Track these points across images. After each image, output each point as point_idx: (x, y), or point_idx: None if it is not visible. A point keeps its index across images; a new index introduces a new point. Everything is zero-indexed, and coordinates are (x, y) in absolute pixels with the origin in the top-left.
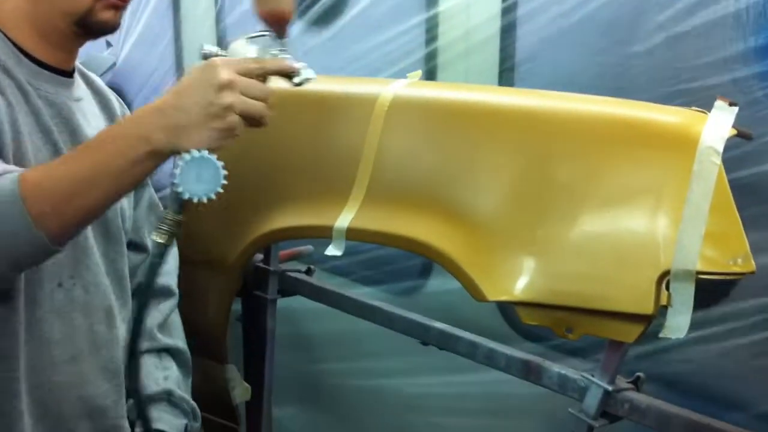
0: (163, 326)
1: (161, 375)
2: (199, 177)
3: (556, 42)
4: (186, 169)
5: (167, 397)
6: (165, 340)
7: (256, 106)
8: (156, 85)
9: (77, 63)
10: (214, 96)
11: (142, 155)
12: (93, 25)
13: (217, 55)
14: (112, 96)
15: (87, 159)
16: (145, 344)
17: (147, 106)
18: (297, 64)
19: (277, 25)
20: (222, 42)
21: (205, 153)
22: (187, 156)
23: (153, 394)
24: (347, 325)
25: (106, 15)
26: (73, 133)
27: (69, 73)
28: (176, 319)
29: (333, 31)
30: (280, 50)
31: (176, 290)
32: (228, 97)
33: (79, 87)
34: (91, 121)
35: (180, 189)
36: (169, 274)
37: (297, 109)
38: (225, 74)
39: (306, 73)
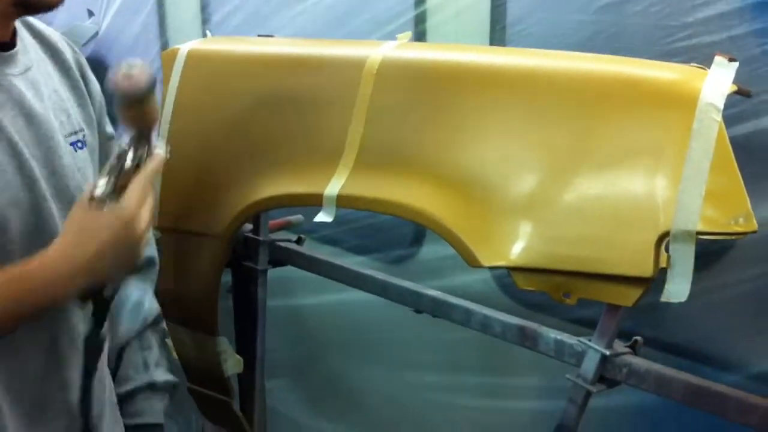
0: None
1: (141, 360)
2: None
3: (549, 1)
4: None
5: (149, 388)
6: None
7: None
8: (139, 53)
9: (17, 22)
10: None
11: (63, 300)
12: (35, 4)
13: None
14: (62, 43)
15: (8, 298)
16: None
17: (56, 255)
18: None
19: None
20: (205, 11)
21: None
22: None
23: (136, 388)
24: (340, 295)
25: None
26: (28, 117)
27: (8, 46)
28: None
29: None
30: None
31: (157, 259)
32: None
33: (26, 52)
34: (44, 89)
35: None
36: (150, 243)
37: (284, 74)
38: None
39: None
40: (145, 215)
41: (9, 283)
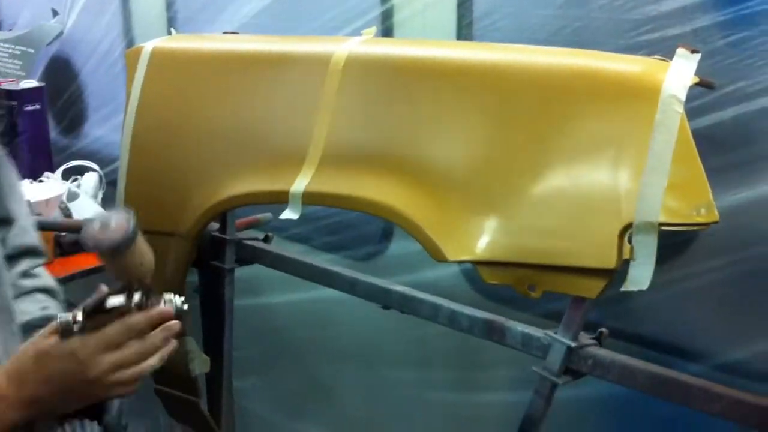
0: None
1: (38, 307)
2: None
3: None
4: None
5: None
6: (35, 282)
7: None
8: (104, 52)
9: None
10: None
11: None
12: None
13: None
14: None
15: None
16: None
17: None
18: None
19: (134, 281)
20: (171, 8)
21: None
22: None
23: (32, 320)
24: (308, 293)
25: None
26: None
27: None
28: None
29: None
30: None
31: (44, 251)
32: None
33: None
34: None
35: None
36: (28, 232)
37: (249, 71)
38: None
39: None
40: (104, 362)
41: None
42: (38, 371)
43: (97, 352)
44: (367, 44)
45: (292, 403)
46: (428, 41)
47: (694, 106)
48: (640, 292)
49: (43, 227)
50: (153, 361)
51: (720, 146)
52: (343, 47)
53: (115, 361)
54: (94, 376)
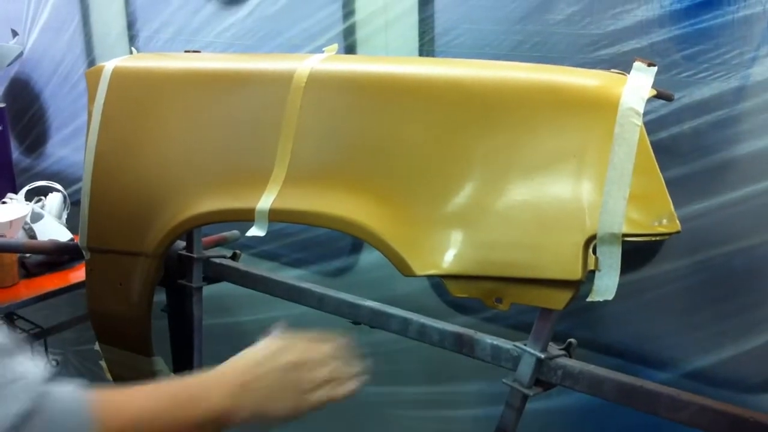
0: None
1: None
2: None
3: (475, 12)
4: None
5: None
6: None
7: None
8: (65, 73)
9: None
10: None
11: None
12: None
13: None
14: None
15: (170, 408)
16: None
17: (231, 371)
18: None
19: None
20: (132, 27)
21: None
22: None
23: None
24: (278, 310)
25: None
26: None
27: None
28: None
29: (249, 9)
30: None
31: None
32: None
33: None
34: None
35: None
36: None
37: (211, 90)
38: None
39: None
40: (322, 371)
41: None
42: (261, 362)
43: (318, 362)
44: (329, 61)
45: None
46: (390, 58)
47: (656, 118)
48: (606, 301)
49: (7, 249)
50: (354, 386)
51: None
52: (305, 64)
53: (329, 374)
54: (309, 379)
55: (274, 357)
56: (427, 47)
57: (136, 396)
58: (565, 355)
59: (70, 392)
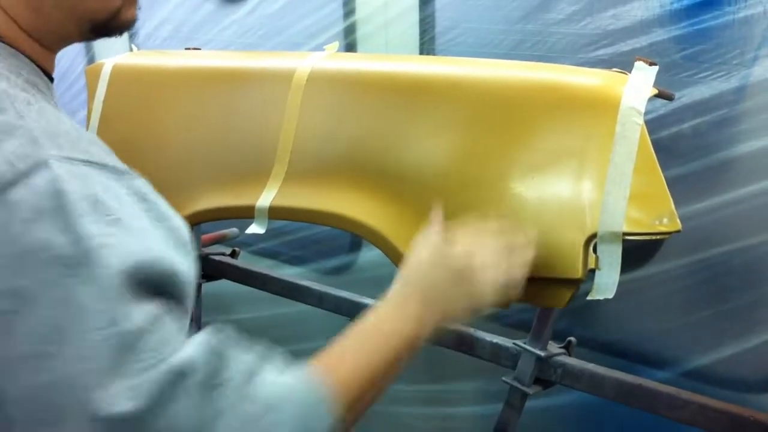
0: None
1: None
2: None
3: (476, 11)
4: None
5: None
6: None
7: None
8: (64, 69)
9: None
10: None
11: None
12: (115, 27)
13: None
14: None
15: (377, 352)
16: None
17: (406, 293)
18: None
19: None
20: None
21: None
22: None
23: None
24: (277, 308)
25: (131, 12)
26: None
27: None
28: None
29: (250, 7)
30: None
31: None
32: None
33: None
34: None
35: None
36: None
37: (212, 88)
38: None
39: None
40: (486, 254)
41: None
42: (431, 272)
43: (486, 251)
44: (330, 59)
45: None
46: (391, 56)
47: (656, 117)
48: (606, 300)
49: None
50: (529, 255)
51: (679, 156)
52: (305, 62)
53: (500, 260)
54: (481, 273)
55: (443, 261)
56: (427, 46)
57: (345, 359)
58: (564, 354)
59: (301, 377)
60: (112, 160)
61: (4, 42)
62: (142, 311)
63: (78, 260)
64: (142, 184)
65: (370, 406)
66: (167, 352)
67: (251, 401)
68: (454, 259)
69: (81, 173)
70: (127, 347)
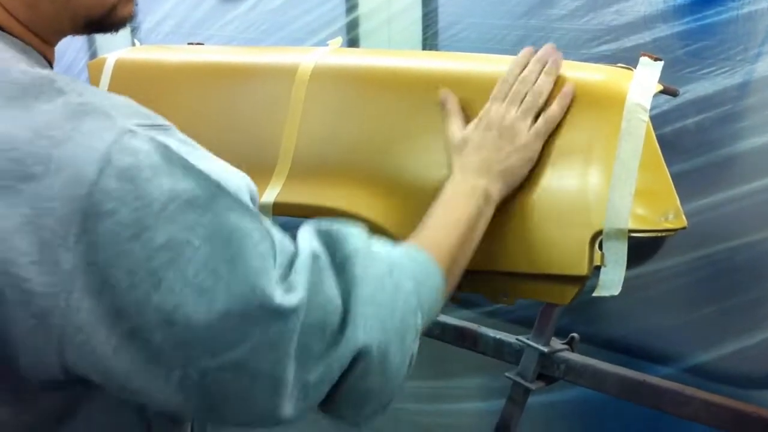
0: None
1: None
2: None
3: (479, 7)
4: None
5: None
6: None
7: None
8: (67, 65)
9: None
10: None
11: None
12: (110, 23)
13: None
14: None
15: (458, 228)
16: None
17: (464, 163)
18: None
19: None
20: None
21: None
22: None
23: None
24: None
25: (127, 9)
26: None
27: None
28: None
29: (252, 2)
30: None
31: None
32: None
33: None
34: None
35: None
36: None
37: (215, 83)
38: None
39: None
40: (512, 110)
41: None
42: (475, 137)
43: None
44: (334, 55)
45: None
46: (395, 51)
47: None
48: (609, 296)
49: None
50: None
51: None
52: (309, 58)
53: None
54: (509, 124)
55: (481, 133)
56: (430, 42)
57: (436, 236)
58: (567, 350)
59: (406, 247)
60: (159, 119)
61: (8, 33)
62: (263, 221)
63: (213, 194)
64: (183, 135)
65: (461, 273)
66: (294, 248)
67: (377, 264)
68: (488, 126)
69: (156, 132)
70: (276, 253)
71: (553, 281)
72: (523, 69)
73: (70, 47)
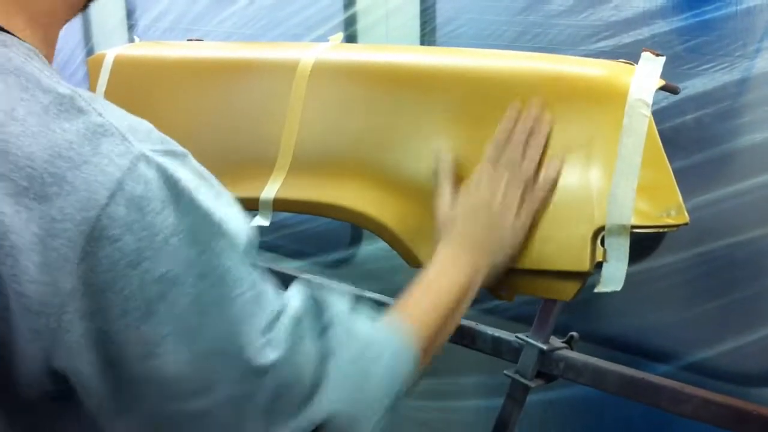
0: None
1: None
2: None
3: (477, 2)
4: None
5: None
6: None
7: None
8: (64, 61)
9: None
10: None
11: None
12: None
13: None
14: None
15: (441, 303)
16: None
17: (454, 246)
18: None
19: None
20: (131, 16)
21: None
22: None
23: None
24: None
25: None
26: None
27: None
28: None
29: None
30: None
31: None
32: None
33: None
34: None
35: None
36: None
37: (215, 79)
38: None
39: None
40: (500, 188)
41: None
42: (468, 224)
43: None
44: (335, 50)
45: None
46: (396, 47)
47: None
48: (608, 293)
49: None
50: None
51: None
52: (309, 53)
53: (522, 189)
54: (499, 203)
55: (473, 210)
56: (428, 38)
57: (416, 310)
58: (566, 348)
59: (388, 321)
60: (173, 144)
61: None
62: (257, 270)
63: (213, 234)
64: (197, 163)
65: (439, 348)
66: (280, 304)
67: (355, 338)
68: (481, 205)
69: (169, 161)
70: (262, 305)
71: (554, 277)
72: (514, 125)
73: (67, 43)
